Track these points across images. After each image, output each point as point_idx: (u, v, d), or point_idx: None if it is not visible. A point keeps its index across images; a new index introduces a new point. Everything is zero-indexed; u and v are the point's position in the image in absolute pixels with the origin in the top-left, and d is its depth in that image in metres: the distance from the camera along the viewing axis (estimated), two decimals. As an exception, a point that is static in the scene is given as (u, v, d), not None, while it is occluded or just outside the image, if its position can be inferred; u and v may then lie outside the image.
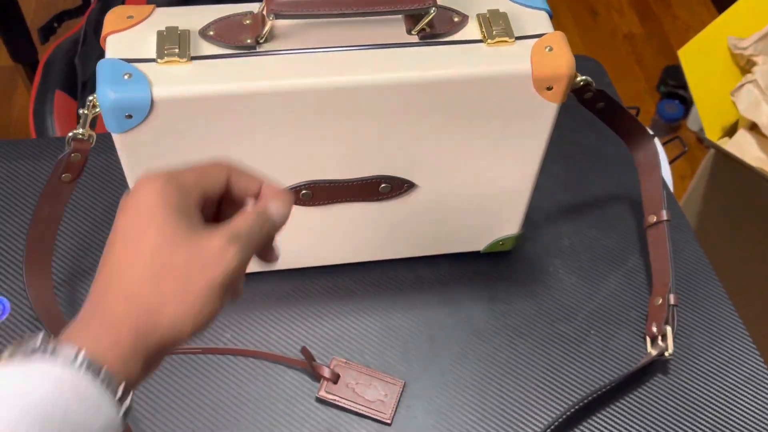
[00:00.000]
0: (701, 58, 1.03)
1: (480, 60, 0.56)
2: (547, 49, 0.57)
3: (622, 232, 0.78)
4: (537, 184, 0.67)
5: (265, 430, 0.63)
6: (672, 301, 0.69)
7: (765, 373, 0.69)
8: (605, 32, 1.98)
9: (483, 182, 0.65)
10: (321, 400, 0.65)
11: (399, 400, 0.66)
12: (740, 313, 0.73)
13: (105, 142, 0.61)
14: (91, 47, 1.02)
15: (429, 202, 0.66)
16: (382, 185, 0.63)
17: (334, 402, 0.65)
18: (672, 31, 1.97)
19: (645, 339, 0.70)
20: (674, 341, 0.69)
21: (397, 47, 0.56)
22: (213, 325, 0.68)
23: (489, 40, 0.57)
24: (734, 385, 0.68)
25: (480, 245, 0.73)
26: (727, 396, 0.67)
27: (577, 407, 0.65)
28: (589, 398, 0.65)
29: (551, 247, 0.77)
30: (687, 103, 1.78)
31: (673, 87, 1.80)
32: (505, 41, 0.57)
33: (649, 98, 1.84)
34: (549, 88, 0.58)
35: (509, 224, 0.71)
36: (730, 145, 1.03)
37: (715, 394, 0.67)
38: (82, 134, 0.60)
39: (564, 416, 0.64)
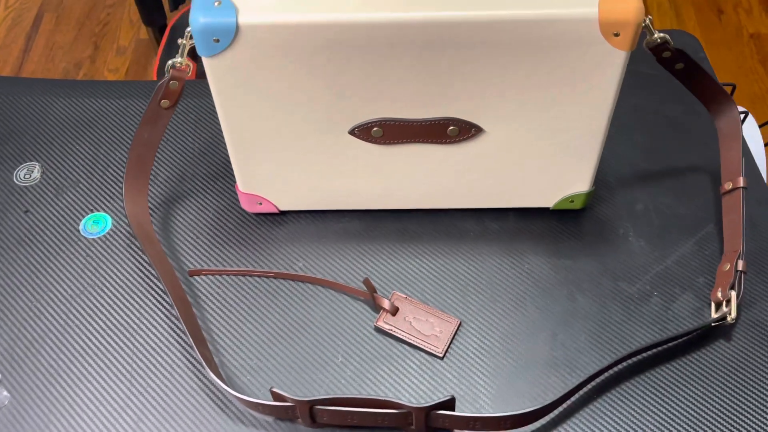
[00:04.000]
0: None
1: (548, 3, 0.58)
2: (616, -4, 0.58)
3: (698, 201, 0.77)
4: (617, 149, 0.67)
5: (326, 351, 0.67)
6: (740, 267, 0.68)
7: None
8: (730, 31, 1.91)
9: (551, 132, 0.67)
10: (379, 330, 0.69)
11: (453, 337, 0.68)
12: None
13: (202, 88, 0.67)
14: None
15: (496, 149, 0.68)
16: (450, 128, 0.66)
17: (390, 332, 0.68)
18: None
19: (710, 305, 0.69)
20: (741, 311, 0.68)
21: (470, -11, 0.59)
22: (287, 254, 0.73)
23: (560, -15, 0.58)
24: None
25: (549, 201, 0.74)
26: (792, 368, 0.65)
27: (626, 361, 0.65)
28: (639, 353, 0.65)
29: (624, 211, 0.77)
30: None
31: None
32: (575, -14, 0.58)
33: (772, 100, 1.75)
34: (616, 35, 0.59)
35: (579, 180, 0.72)
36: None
37: (779, 365, 0.65)
38: (180, 62, 0.66)
39: (610, 368, 0.64)
